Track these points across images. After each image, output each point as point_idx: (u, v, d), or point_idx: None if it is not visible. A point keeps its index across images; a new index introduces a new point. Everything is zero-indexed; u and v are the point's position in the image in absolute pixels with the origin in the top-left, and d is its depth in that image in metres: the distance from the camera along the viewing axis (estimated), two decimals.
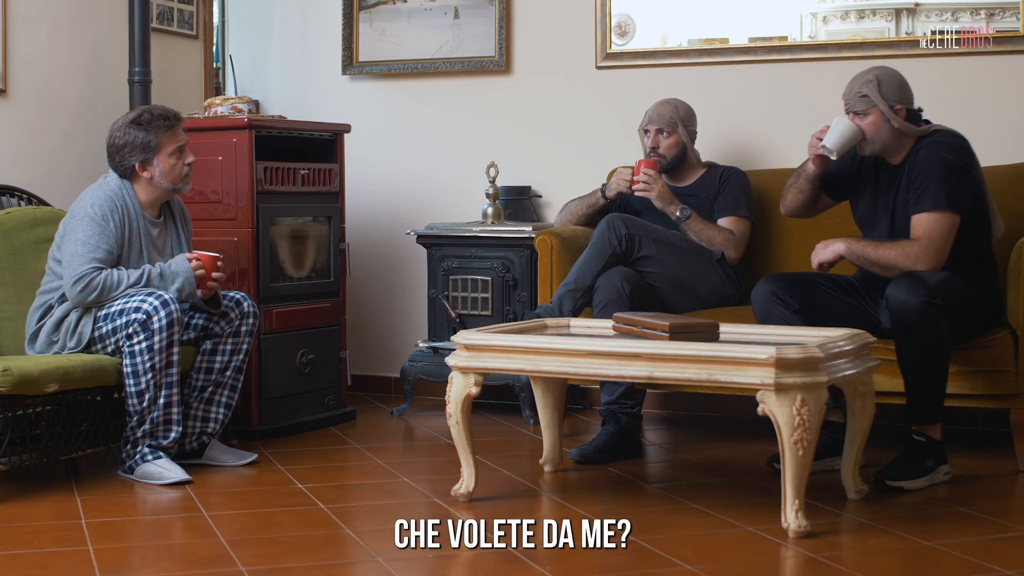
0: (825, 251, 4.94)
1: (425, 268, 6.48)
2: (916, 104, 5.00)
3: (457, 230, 6.33)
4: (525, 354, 4.45)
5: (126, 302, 4.92)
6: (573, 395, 6.35)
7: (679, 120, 5.82)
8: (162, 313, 4.87)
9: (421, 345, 6.40)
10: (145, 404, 4.92)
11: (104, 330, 4.96)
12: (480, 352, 4.52)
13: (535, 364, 4.45)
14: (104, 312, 4.96)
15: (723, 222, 5.70)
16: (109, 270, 4.98)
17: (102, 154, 5.76)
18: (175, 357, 4.96)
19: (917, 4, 6.00)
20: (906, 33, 6.02)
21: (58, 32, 6.15)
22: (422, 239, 6.41)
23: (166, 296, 4.90)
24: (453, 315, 6.26)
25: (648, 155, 5.82)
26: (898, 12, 6.04)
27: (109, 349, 4.98)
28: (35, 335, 5.08)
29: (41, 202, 5.72)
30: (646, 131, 5.87)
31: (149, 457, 4.97)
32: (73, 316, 5.01)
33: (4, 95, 5.88)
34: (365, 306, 7.06)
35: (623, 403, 5.35)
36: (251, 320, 5.26)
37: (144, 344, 4.88)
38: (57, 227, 5.20)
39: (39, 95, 6.05)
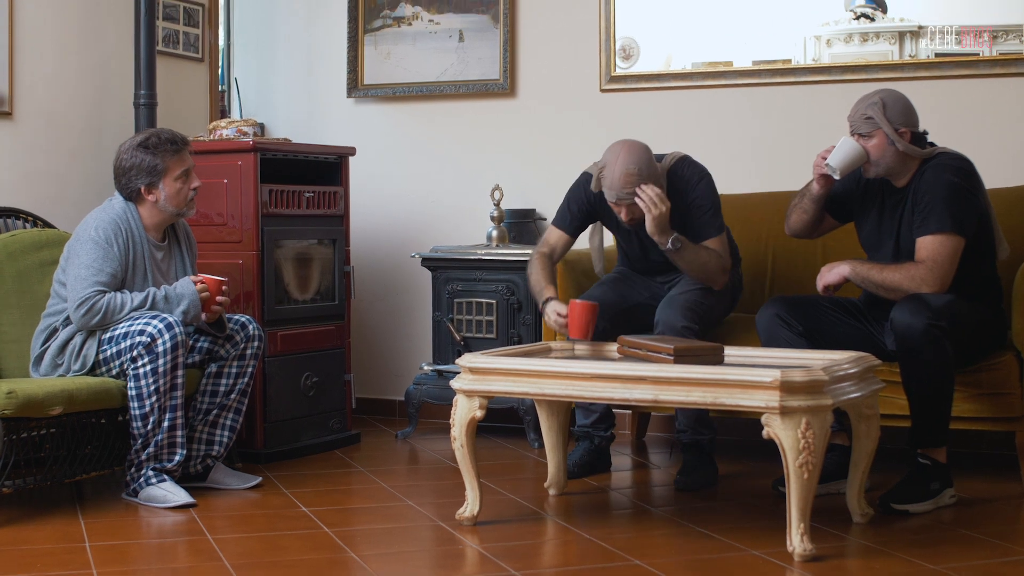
0: (830, 274, 4.94)
1: (430, 291, 6.48)
2: (921, 127, 5.00)
3: (462, 253, 6.33)
4: (530, 377, 4.45)
5: (131, 325, 4.92)
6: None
7: (648, 181, 5.18)
8: (166, 336, 4.87)
9: (426, 368, 6.40)
10: (149, 427, 4.92)
11: (109, 353, 4.96)
12: (485, 375, 4.52)
13: (540, 387, 4.44)
14: (109, 335, 4.97)
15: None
16: (113, 293, 4.98)
17: (108, 176, 5.77)
18: (179, 380, 4.96)
19: (920, 27, 6.01)
20: (910, 56, 6.02)
21: (64, 55, 6.17)
22: (427, 262, 6.41)
23: (171, 319, 4.90)
24: (458, 338, 6.26)
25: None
26: (901, 35, 6.05)
27: (114, 372, 4.98)
28: (39, 358, 5.08)
29: (47, 224, 5.72)
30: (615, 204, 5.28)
31: (153, 480, 4.96)
32: (78, 339, 5.01)
33: (10, 117, 5.89)
34: (370, 329, 7.06)
35: (597, 427, 5.50)
36: (256, 343, 5.26)
37: (148, 367, 4.88)
38: (63, 249, 5.20)
39: (45, 117, 6.06)
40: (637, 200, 5.11)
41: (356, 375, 6.67)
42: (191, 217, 5.35)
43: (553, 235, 5.51)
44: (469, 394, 4.54)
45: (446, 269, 6.36)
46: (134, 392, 4.91)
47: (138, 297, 5.00)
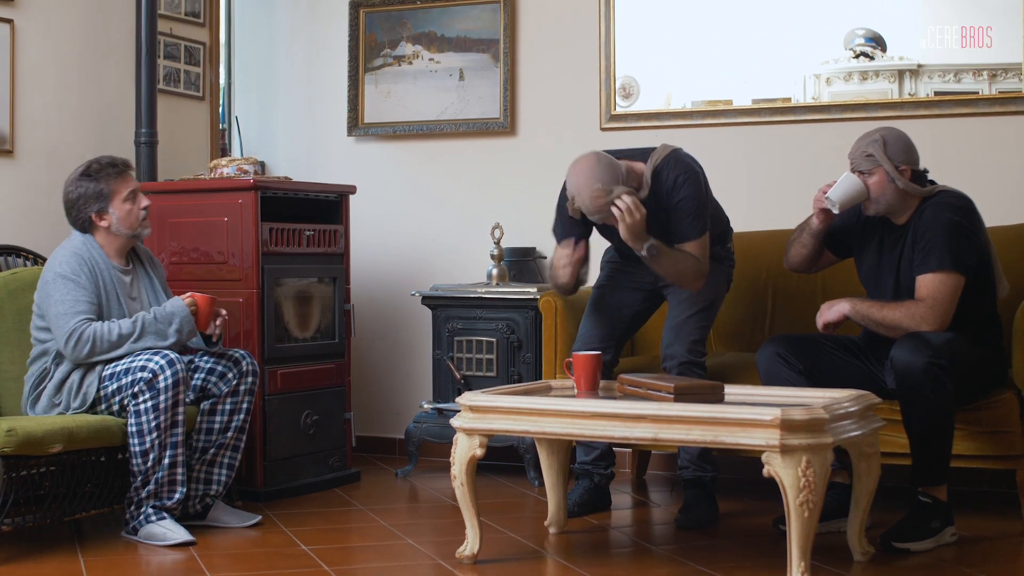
0: (830, 311, 4.95)
1: (430, 329, 6.48)
2: (921, 165, 5.02)
3: (462, 291, 6.33)
4: (530, 416, 4.44)
5: (132, 361, 4.93)
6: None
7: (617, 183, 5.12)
8: (168, 372, 4.87)
9: (426, 406, 6.39)
10: (149, 464, 4.91)
11: (109, 389, 4.96)
12: (485, 414, 4.52)
13: (540, 426, 4.44)
14: (109, 372, 4.97)
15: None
16: (99, 322, 5.00)
17: None
18: (180, 417, 4.95)
19: (920, 65, 6.03)
20: (909, 94, 6.04)
21: (65, 93, 6.19)
22: (427, 300, 6.42)
23: (172, 356, 4.91)
24: (458, 376, 6.25)
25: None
26: (901, 73, 6.07)
27: (114, 408, 4.98)
28: (35, 399, 5.09)
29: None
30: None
31: (153, 518, 4.95)
32: (76, 376, 5.01)
33: (11, 156, 5.91)
34: (370, 367, 7.05)
35: (598, 464, 5.49)
36: (250, 379, 5.26)
37: (150, 403, 4.87)
38: None
39: (46, 156, 6.08)
40: (613, 210, 5.03)
41: (356, 413, 6.66)
42: (190, 252, 5.35)
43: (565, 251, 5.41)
44: (469, 432, 4.53)
45: (446, 307, 6.36)
46: (134, 428, 4.91)
47: (126, 323, 5.02)
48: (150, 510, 4.96)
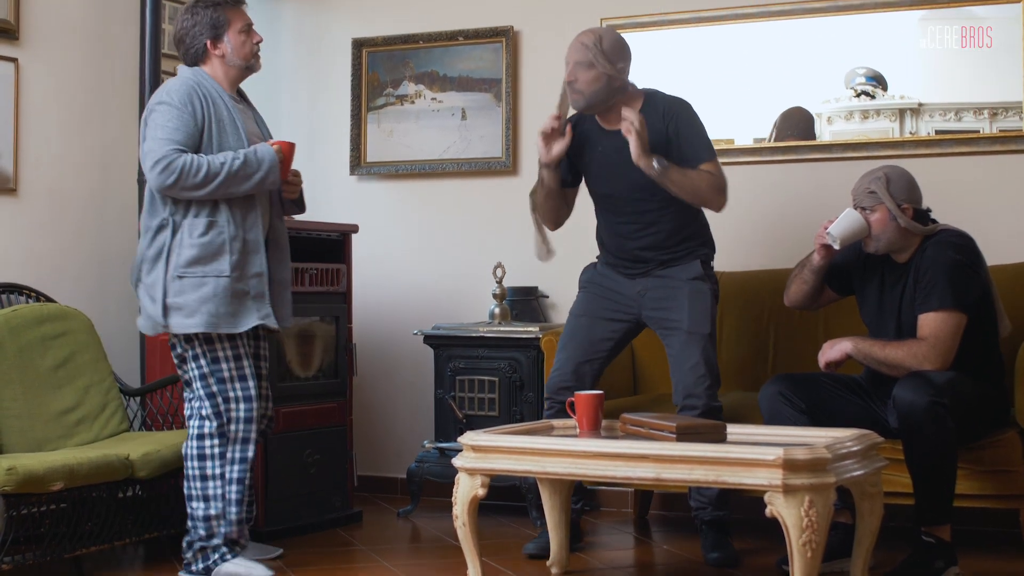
0: (832, 350, 4.95)
1: (432, 368, 6.48)
2: (924, 204, 5.03)
3: (464, 330, 6.33)
4: (532, 455, 4.44)
5: (220, 387, 4.87)
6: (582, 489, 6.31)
7: (599, 55, 5.18)
8: (242, 427, 4.86)
9: (428, 446, 6.38)
10: (214, 512, 4.87)
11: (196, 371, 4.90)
12: (487, 453, 4.51)
13: (542, 466, 4.43)
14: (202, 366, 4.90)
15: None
16: (191, 154, 4.82)
17: (111, 254, 5.81)
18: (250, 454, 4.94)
19: (921, 104, 6.05)
20: (910, 133, 6.05)
21: (69, 132, 6.20)
22: (429, 339, 6.41)
23: (251, 391, 4.88)
24: (459, 416, 6.25)
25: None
26: (902, 112, 6.08)
27: (189, 373, 4.93)
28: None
29: (49, 300, 5.72)
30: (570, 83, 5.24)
31: (228, 556, 4.89)
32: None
33: (14, 194, 5.92)
34: (372, 406, 7.05)
35: (572, 500, 5.31)
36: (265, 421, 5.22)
37: (218, 449, 4.85)
38: (64, 324, 5.20)
39: (49, 194, 6.09)
40: (622, 126, 5.02)
41: (358, 452, 6.65)
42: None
43: None
44: (471, 472, 4.53)
45: (448, 346, 6.36)
46: (196, 472, 4.88)
47: (216, 161, 4.83)
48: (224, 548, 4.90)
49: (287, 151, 5.00)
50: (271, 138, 5.14)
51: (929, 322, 4.82)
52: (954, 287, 4.83)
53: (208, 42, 5.00)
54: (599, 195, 5.45)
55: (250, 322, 4.89)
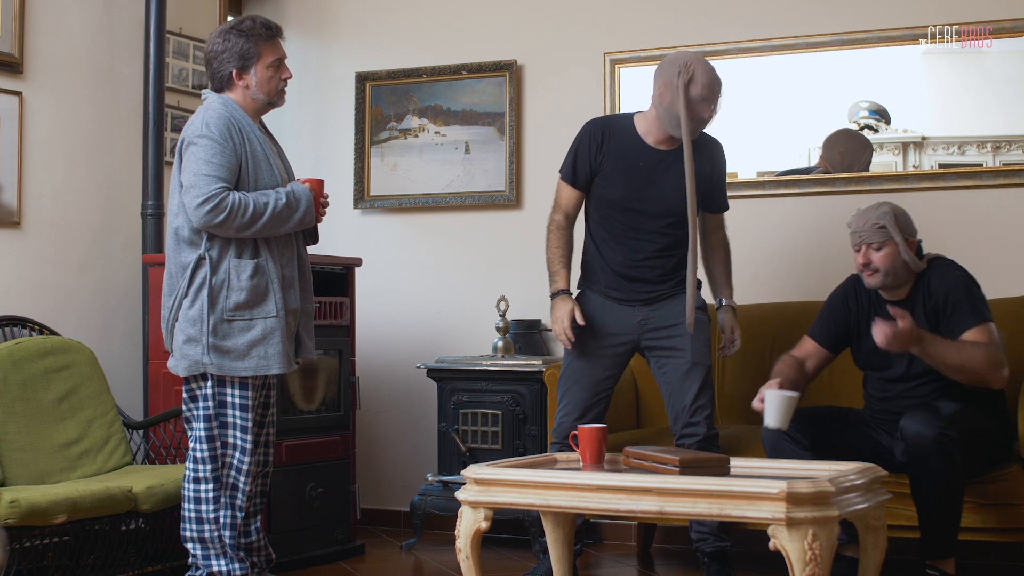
0: (895, 343, 4.77)
1: (435, 401, 6.47)
2: (922, 237, 5.06)
3: (467, 364, 6.33)
4: (535, 489, 4.42)
5: (221, 431, 4.82)
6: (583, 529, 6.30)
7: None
8: (234, 468, 4.83)
9: (431, 479, 6.37)
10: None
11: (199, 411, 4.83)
12: (490, 486, 4.50)
13: (545, 499, 4.42)
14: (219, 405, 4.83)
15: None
16: (238, 193, 4.74)
17: (116, 286, 5.81)
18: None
19: (924, 138, 6.06)
20: (913, 166, 6.06)
21: (73, 165, 6.22)
22: (432, 373, 6.41)
23: (244, 461, 4.82)
24: (463, 449, 6.24)
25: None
26: (905, 145, 6.09)
27: (193, 412, 4.86)
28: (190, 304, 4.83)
29: (52, 333, 5.73)
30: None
31: None
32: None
33: (19, 227, 5.93)
34: (375, 439, 7.04)
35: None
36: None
37: (212, 493, 4.79)
38: (68, 357, 5.19)
39: (53, 227, 6.10)
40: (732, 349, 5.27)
41: (361, 486, 6.64)
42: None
43: (564, 194, 5.40)
44: (474, 505, 4.51)
45: (451, 380, 6.35)
46: (192, 514, 4.84)
47: (259, 199, 4.75)
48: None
49: (317, 189, 4.97)
50: (292, 173, 5.11)
51: (976, 337, 4.84)
52: (976, 301, 4.93)
53: (234, 71, 4.90)
54: (621, 208, 5.27)
55: (293, 361, 4.89)
